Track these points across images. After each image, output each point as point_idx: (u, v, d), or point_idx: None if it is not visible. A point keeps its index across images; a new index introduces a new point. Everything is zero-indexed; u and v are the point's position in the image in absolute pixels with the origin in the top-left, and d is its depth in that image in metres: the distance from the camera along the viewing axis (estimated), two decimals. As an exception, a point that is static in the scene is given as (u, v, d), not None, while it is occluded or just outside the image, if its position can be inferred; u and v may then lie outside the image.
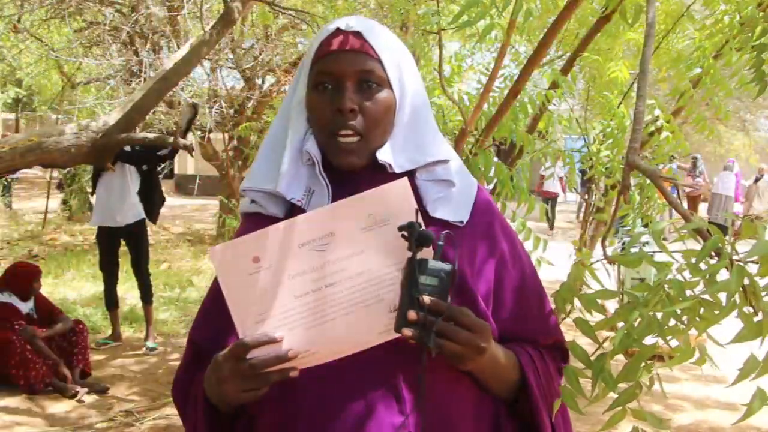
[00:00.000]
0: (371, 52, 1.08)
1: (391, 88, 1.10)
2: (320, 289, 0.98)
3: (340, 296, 0.98)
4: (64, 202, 12.02)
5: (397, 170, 1.09)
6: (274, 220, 1.11)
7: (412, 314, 0.94)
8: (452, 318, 0.97)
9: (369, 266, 0.99)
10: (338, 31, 1.10)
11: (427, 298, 0.95)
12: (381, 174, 1.10)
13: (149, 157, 5.19)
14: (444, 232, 0.99)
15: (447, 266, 0.97)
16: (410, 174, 1.12)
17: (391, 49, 1.11)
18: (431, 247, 0.98)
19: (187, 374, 1.18)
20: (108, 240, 5.39)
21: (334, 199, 1.09)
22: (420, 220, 0.98)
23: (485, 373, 1.08)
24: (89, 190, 12.21)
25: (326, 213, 1.00)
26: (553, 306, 1.19)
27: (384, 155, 1.09)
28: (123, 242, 5.49)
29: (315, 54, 1.10)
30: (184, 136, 3.80)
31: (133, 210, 5.32)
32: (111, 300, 5.44)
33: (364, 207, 0.99)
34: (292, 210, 1.12)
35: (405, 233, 0.96)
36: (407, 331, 0.95)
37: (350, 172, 1.10)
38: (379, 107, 1.08)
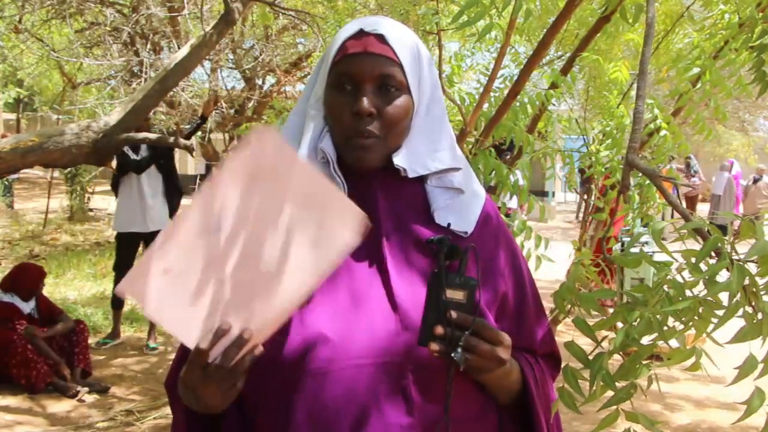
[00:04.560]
0: (393, 57, 1.08)
1: (410, 92, 1.09)
2: (239, 266, 0.96)
3: (254, 267, 0.96)
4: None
5: (411, 175, 1.10)
6: None
7: (439, 329, 0.95)
8: (477, 332, 0.98)
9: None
10: (361, 33, 1.09)
11: (454, 313, 0.95)
12: (394, 177, 1.11)
13: (154, 159, 5.30)
14: (468, 245, 0.99)
15: (472, 280, 0.97)
16: (421, 179, 1.13)
17: (412, 55, 1.11)
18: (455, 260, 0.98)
19: (177, 366, 1.17)
20: (128, 243, 5.41)
21: (349, 198, 1.10)
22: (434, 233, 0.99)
23: (496, 381, 1.10)
24: (90, 190, 12.28)
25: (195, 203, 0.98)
26: (551, 306, 1.20)
27: (399, 160, 1.09)
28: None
29: (336, 54, 1.10)
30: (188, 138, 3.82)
31: (157, 217, 5.35)
32: (118, 299, 5.46)
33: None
34: None
35: (433, 247, 0.96)
36: (434, 346, 0.95)
37: (364, 172, 1.10)
38: (398, 111, 1.08)
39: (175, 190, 5.51)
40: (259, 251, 0.97)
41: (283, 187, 0.97)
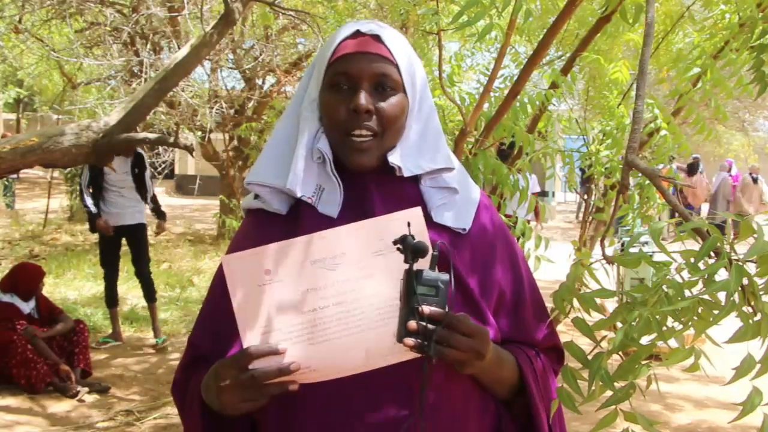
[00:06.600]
0: (389, 56, 1.10)
1: (405, 92, 1.12)
2: (327, 307, 0.99)
3: (346, 316, 0.99)
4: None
5: (406, 174, 1.12)
6: (277, 217, 1.13)
7: (412, 324, 0.96)
8: (450, 325, 0.99)
9: (376, 290, 1.00)
10: (357, 33, 1.11)
11: (426, 308, 0.96)
12: (389, 176, 1.12)
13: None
14: (438, 242, 1.00)
15: (443, 276, 0.99)
16: (415, 179, 1.15)
17: (406, 56, 1.13)
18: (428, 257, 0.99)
19: (184, 375, 1.20)
20: (109, 238, 5.43)
21: (345, 198, 1.11)
22: (427, 238, 0.99)
23: (487, 375, 1.11)
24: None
25: (341, 233, 1.00)
26: (551, 306, 1.20)
27: (394, 158, 1.11)
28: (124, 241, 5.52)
29: (332, 54, 1.11)
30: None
31: (135, 211, 5.41)
32: (111, 297, 5.48)
33: (378, 231, 1.00)
34: (297, 207, 1.13)
35: (400, 246, 0.97)
36: (409, 341, 0.96)
37: (360, 172, 1.11)
38: (394, 110, 1.10)
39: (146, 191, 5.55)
40: (352, 310, 1.00)
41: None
